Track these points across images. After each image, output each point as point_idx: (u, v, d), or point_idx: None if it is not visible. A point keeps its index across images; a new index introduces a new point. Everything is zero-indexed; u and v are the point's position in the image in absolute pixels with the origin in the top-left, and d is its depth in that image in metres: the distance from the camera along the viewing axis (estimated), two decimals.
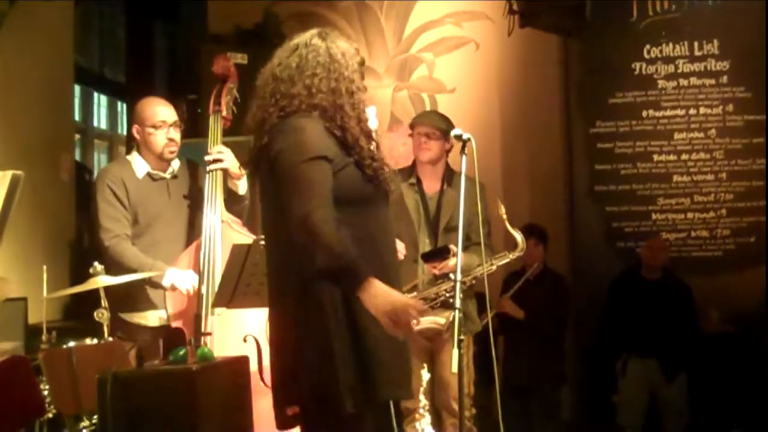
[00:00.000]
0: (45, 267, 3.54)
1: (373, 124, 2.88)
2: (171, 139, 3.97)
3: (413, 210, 4.23)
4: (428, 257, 4.06)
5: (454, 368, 3.16)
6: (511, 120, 6.15)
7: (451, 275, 4.02)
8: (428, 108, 6.13)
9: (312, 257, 2.51)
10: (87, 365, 3.00)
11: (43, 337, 3.55)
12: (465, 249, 4.11)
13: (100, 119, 6.87)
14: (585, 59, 6.00)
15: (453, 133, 3.52)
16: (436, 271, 4.05)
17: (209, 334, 3.51)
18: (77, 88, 6.02)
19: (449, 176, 4.28)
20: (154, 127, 3.95)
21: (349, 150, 2.66)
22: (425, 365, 3.82)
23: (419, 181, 4.27)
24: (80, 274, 3.85)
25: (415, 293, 4.00)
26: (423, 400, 3.75)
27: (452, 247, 4.01)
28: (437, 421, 4.28)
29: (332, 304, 2.56)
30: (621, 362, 5.44)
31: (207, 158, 3.93)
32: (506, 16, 5.65)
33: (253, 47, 5.56)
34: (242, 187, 4.01)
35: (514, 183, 6.11)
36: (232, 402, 2.91)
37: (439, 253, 4.04)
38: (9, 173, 2.15)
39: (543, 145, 6.12)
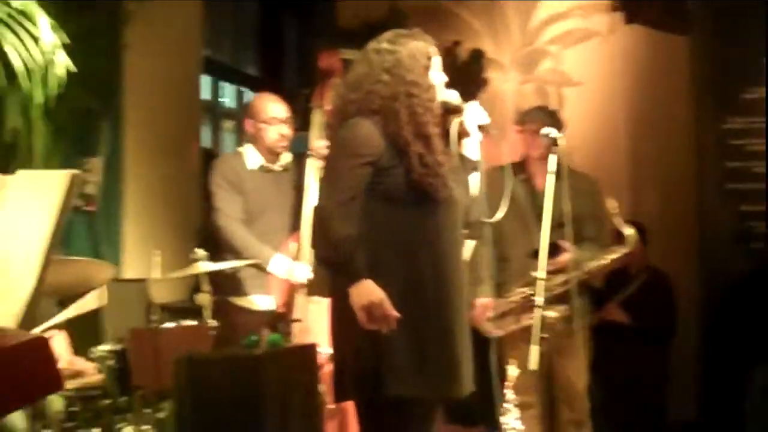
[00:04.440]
0: (159, 252, 3.76)
1: (482, 119, 2.93)
2: (282, 135, 4.13)
3: (525, 206, 4.23)
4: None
5: (533, 365, 3.17)
6: (639, 114, 5.98)
7: (562, 275, 4.02)
8: (553, 102, 6.06)
9: (318, 244, 2.73)
10: (171, 346, 3.17)
11: (153, 317, 3.78)
12: (578, 244, 4.13)
13: (229, 111, 7.13)
14: (715, 54, 5.76)
15: (542, 132, 3.54)
16: (548, 267, 4.05)
17: (299, 320, 3.63)
18: (207, 80, 6.29)
19: (560, 172, 4.26)
20: (266, 122, 4.12)
21: (401, 154, 2.73)
22: (516, 361, 3.83)
23: (530, 177, 4.28)
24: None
25: (527, 288, 4.02)
26: (510, 395, 3.76)
27: (563, 242, 4.01)
28: (548, 417, 4.29)
29: None
30: (751, 369, 5.22)
31: (309, 152, 4.07)
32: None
33: None
34: None
35: (641, 180, 5.94)
36: (298, 386, 2.99)
37: (551, 249, 4.05)
38: (68, 173, 2.27)
39: (671, 142, 5.91)
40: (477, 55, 6.14)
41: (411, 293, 2.69)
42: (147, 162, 5.10)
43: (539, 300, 3.26)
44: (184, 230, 5.19)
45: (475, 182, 3.01)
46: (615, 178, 5.63)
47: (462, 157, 2.93)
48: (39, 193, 2.27)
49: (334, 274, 2.76)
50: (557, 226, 4.18)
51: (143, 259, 4.41)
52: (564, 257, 4.06)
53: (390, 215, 2.73)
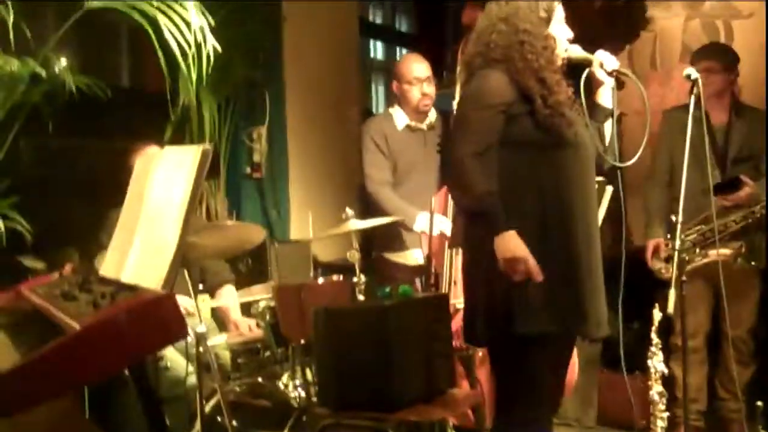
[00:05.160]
0: (311, 213, 3.99)
1: (612, 65, 2.96)
2: (425, 94, 4.28)
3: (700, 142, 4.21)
4: (719, 189, 4.02)
5: (671, 309, 3.17)
6: None
7: (740, 211, 3.95)
8: (722, 37, 5.82)
9: (459, 196, 2.85)
10: (313, 300, 3.39)
11: (310, 274, 4.04)
12: (755, 180, 4.06)
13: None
14: None
15: (684, 72, 3.50)
16: (726, 203, 4.05)
17: (436, 274, 3.79)
18: (376, 43, 6.47)
19: (737, 107, 4.29)
20: (409, 83, 4.28)
21: (526, 99, 2.81)
22: (657, 305, 3.81)
23: (706, 114, 4.23)
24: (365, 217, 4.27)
25: (702, 225, 4.01)
26: (655, 339, 3.76)
27: (744, 178, 4.01)
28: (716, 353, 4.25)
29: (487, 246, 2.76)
30: None
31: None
32: None
33: None
34: None
35: None
36: (429, 335, 3.12)
37: (731, 185, 4.03)
38: (199, 147, 2.47)
39: None
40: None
41: (540, 233, 2.76)
42: (310, 127, 5.35)
43: (677, 243, 3.24)
44: (348, 192, 5.42)
45: (608, 129, 3.04)
46: None
47: (596, 106, 2.98)
48: (178, 166, 2.51)
49: (474, 223, 2.84)
50: (734, 162, 4.16)
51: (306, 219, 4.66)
52: (744, 192, 4.02)
53: (520, 159, 2.80)
